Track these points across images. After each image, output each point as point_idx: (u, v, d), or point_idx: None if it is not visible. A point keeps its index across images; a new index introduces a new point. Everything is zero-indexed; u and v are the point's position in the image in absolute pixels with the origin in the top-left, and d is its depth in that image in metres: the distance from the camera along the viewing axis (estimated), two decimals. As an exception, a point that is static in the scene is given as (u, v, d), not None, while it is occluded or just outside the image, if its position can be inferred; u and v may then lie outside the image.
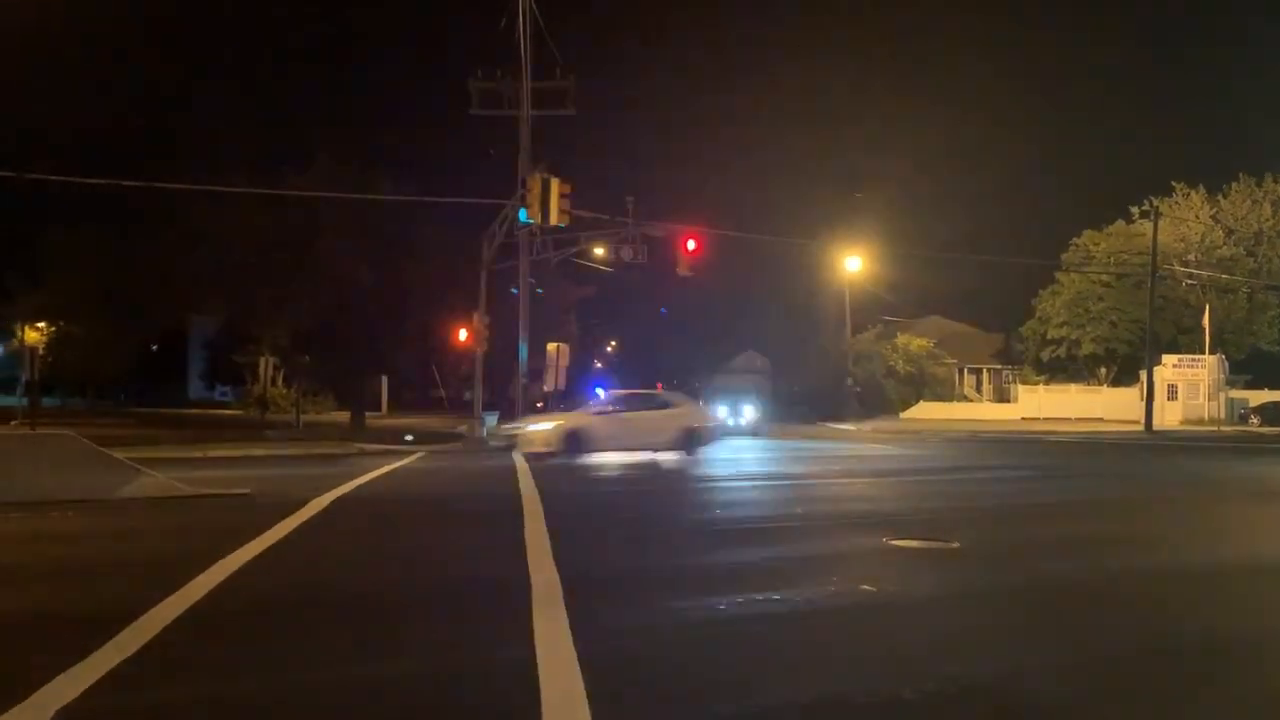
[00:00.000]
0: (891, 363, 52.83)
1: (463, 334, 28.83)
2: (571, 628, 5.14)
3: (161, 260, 27.31)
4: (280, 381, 43.09)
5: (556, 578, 6.47)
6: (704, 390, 46.41)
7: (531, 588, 6.14)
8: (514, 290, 27.86)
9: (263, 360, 28.03)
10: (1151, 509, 11.91)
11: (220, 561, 6.96)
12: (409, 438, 24.40)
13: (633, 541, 8.63)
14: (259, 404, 29.53)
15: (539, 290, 32.35)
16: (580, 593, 6.05)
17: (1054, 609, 6.05)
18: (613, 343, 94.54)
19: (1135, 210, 49.12)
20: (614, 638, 5.17)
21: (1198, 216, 49.09)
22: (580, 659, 4.58)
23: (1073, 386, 50.93)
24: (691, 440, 19.96)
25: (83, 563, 7.43)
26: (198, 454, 18.93)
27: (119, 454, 12.17)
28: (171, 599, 5.79)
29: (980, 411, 51.18)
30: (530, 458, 18.59)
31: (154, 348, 53.07)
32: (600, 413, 20.24)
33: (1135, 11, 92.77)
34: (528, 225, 24.56)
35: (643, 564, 7.33)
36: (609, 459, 20.90)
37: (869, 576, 6.78)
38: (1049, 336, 51.53)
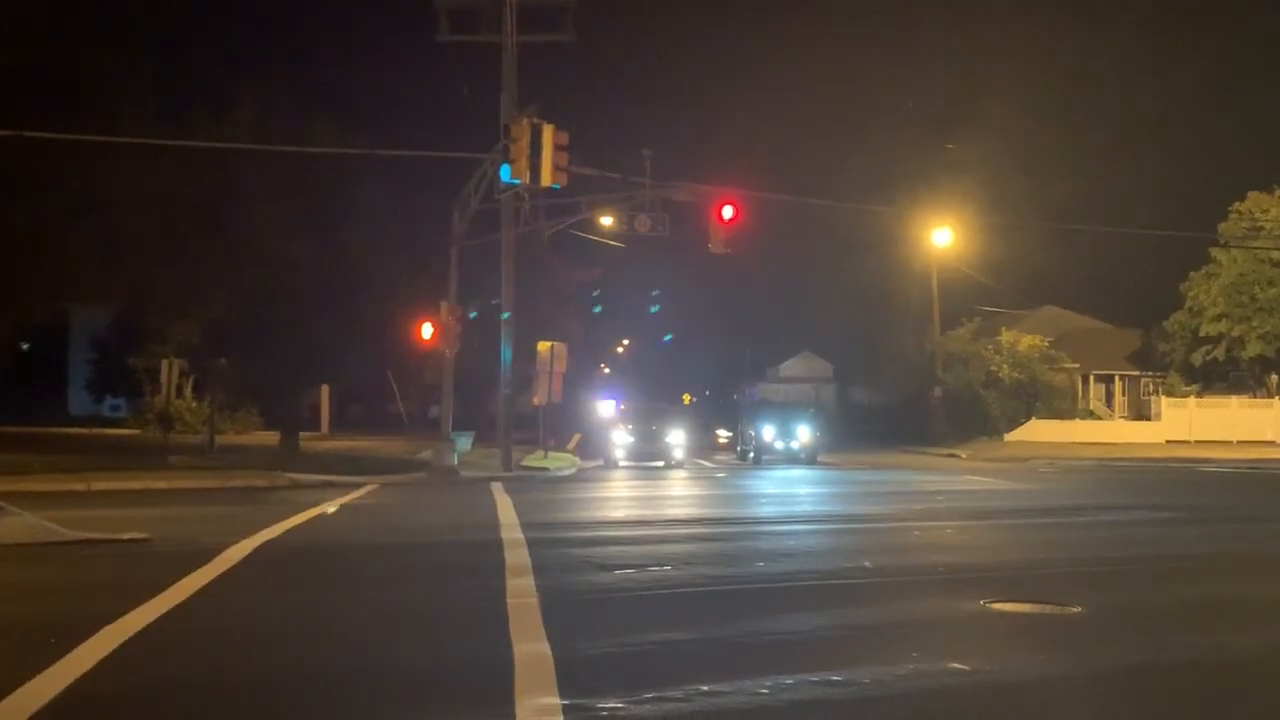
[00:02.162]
0: (993, 367, 52.63)
1: (427, 330, 28.87)
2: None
3: (34, 234, 27.47)
4: (189, 392, 43.28)
5: (548, 655, 6.46)
6: (744, 404, 46.39)
7: (514, 670, 6.13)
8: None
9: (166, 364, 28.04)
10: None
11: (106, 629, 6.98)
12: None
13: (649, 604, 8.61)
14: (160, 421, 29.65)
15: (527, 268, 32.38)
16: (580, 675, 6.03)
17: (1210, 698, 5.98)
18: (624, 341, 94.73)
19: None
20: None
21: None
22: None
23: (1234, 399, 50.57)
24: None
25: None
26: (80, 486, 19.02)
27: (-25, 487, 12.25)
28: (30, 685, 5.78)
29: (1111, 432, 50.91)
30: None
31: (24, 347, 53.42)
32: None
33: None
34: (512, 187, 24.59)
35: (663, 635, 7.31)
36: (618, 487, 20.97)
37: (959, 651, 6.73)
38: (1202, 333, 51.15)
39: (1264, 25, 74.33)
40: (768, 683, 5.93)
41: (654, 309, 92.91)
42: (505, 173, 22.69)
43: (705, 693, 5.74)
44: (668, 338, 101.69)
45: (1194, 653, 6.93)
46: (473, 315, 32.93)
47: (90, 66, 27.81)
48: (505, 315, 27.85)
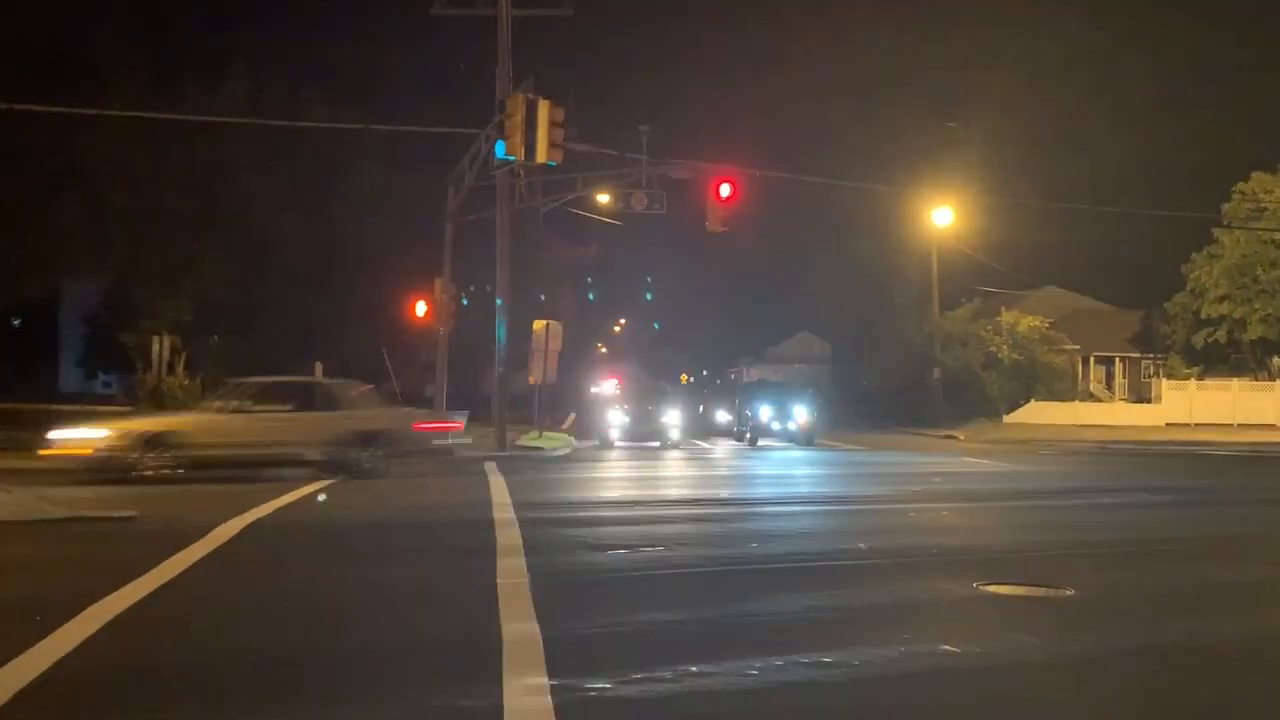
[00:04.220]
0: (993, 348, 52.64)
1: (421, 308, 28.85)
2: (556, 711, 5.15)
3: (24, 208, 27.45)
4: (181, 368, 43.28)
5: (538, 635, 6.50)
6: (741, 385, 46.40)
7: (503, 650, 6.16)
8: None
9: (157, 341, 28.11)
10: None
11: (93, 607, 7.01)
12: None
13: (641, 585, 8.64)
14: (152, 398, 29.66)
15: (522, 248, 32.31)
16: (569, 655, 6.07)
17: (1201, 682, 6.01)
18: (620, 321, 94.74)
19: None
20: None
21: None
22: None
23: (1235, 382, 50.64)
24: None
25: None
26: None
27: (-36, 463, 12.24)
28: (16, 662, 5.82)
29: (1111, 414, 50.99)
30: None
31: (15, 323, 53.43)
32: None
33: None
34: (507, 164, 24.53)
35: (654, 615, 7.33)
36: (613, 468, 21.00)
37: (951, 633, 6.76)
38: (1204, 315, 51.19)
39: (1269, 2, 74.13)
40: (758, 664, 5.96)
41: (648, 295, 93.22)
42: (500, 149, 22.62)
43: (694, 673, 5.77)
44: (656, 325, 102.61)
45: (1186, 636, 6.95)
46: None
47: (80, 38, 27.74)
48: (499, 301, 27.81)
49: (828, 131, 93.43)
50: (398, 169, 30.00)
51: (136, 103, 24.74)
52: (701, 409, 46.26)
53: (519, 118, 21.67)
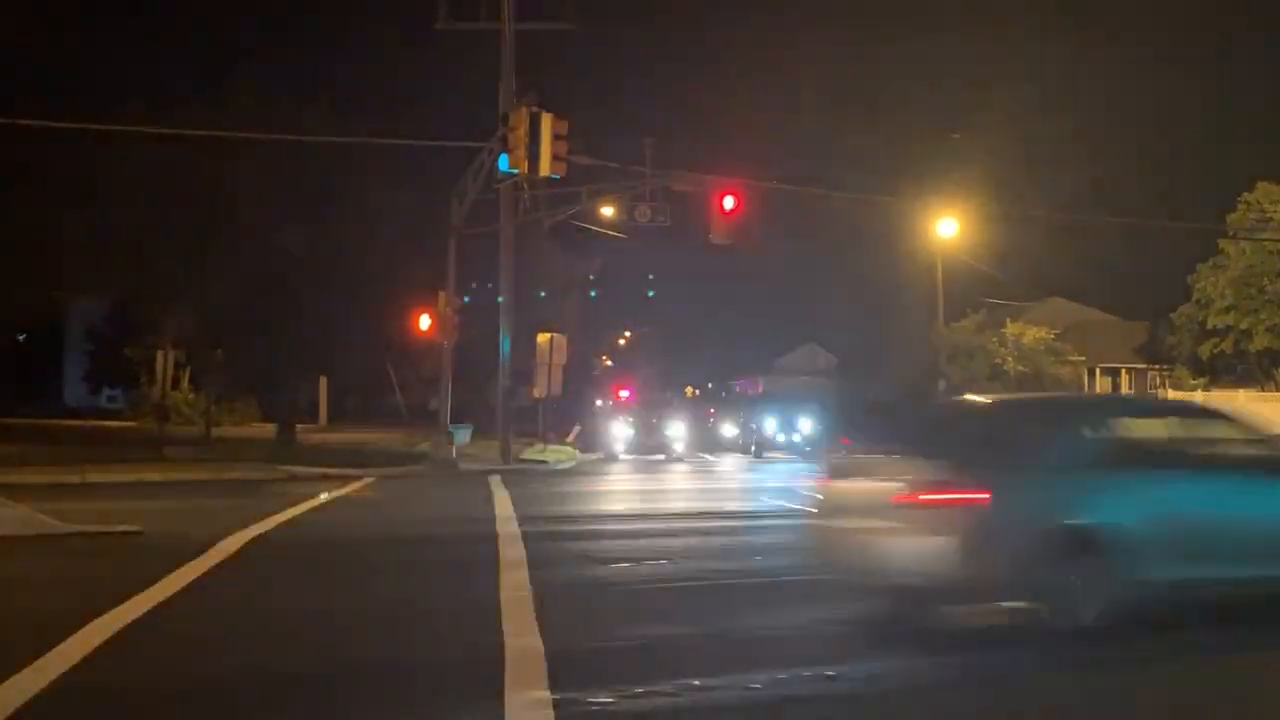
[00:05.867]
0: (999, 360, 52.56)
1: (425, 322, 28.85)
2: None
3: (28, 222, 27.50)
4: (186, 383, 43.35)
5: (540, 649, 6.48)
6: (746, 398, 46.37)
7: (506, 665, 6.14)
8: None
9: (161, 355, 28.13)
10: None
11: (95, 623, 7.00)
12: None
13: (645, 597, 8.63)
14: (157, 412, 29.67)
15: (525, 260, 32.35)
16: (573, 669, 6.05)
17: (1220, 692, 5.99)
18: (626, 333, 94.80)
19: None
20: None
21: None
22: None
23: (1241, 393, 50.40)
24: None
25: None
26: (74, 479, 19.01)
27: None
28: (21, 676, 5.82)
29: (1117, 426, 50.80)
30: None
31: (20, 339, 53.57)
32: None
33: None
34: (511, 177, 24.54)
35: (658, 629, 7.32)
36: (618, 481, 20.98)
37: (957, 646, 6.77)
38: (1210, 326, 51.05)
39: (1274, 12, 74.23)
40: (761, 677, 5.94)
41: (650, 293, 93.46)
42: (504, 162, 22.62)
43: (697, 687, 5.75)
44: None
45: (1197, 645, 6.92)
46: (466, 299, 32.92)
47: (86, 53, 27.83)
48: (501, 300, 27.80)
49: (832, 144, 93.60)
50: (401, 183, 29.97)
51: (142, 119, 24.81)
52: (711, 422, 46.35)
53: (522, 131, 21.65)
